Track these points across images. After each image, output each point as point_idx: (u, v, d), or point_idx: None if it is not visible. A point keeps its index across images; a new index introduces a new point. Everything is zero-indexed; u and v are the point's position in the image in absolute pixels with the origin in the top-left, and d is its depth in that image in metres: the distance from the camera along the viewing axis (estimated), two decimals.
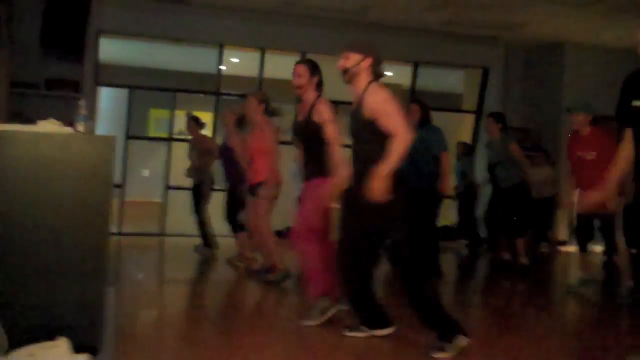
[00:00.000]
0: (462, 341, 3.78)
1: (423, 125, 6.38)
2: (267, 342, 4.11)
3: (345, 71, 3.86)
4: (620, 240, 5.42)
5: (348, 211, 4.03)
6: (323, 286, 4.49)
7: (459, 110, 11.73)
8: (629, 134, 3.63)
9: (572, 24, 9.70)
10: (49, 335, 3.22)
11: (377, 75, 3.88)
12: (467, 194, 9.80)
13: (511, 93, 11.14)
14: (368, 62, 3.83)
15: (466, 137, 11.12)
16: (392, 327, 4.16)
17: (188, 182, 8.22)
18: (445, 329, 3.81)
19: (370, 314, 4.14)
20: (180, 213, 8.19)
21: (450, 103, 11.94)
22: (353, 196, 3.91)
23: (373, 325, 4.14)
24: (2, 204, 3.25)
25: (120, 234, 9.56)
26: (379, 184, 3.66)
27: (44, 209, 3.30)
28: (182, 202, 8.33)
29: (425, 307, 3.86)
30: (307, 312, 4.50)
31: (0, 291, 3.25)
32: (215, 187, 8.04)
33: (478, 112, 11.14)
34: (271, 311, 5.03)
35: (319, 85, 4.63)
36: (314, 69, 4.63)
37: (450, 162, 6.32)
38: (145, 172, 12.26)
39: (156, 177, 10.62)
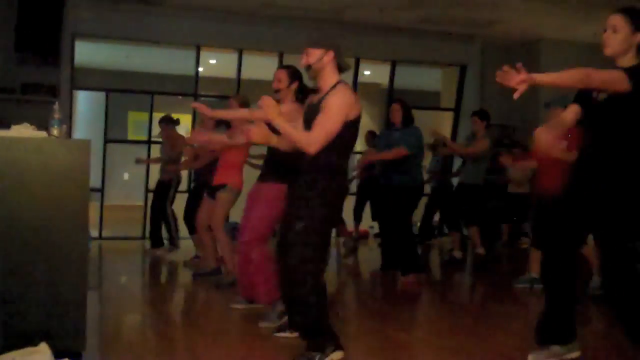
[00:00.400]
0: (336, 356, 3.59)
1: (406, 125, 6.41)
2: (253, 346, 4.10)
3: (308, 67, 3.71)
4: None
5: None
6: (275, 290, 4.49)
7: (437, 108, 11.79)
8: (572, 108, 3.63)
9: (548, 20, 9.79)
10: (30, 340, 3.20)
11: (341, 68, 3.73)
12: (440, 192, 9.62)
13: (489, 90, 11.19)
14: (330, 55, 3.66)
15: (445, 135, 11.16)
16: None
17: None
18: (321, 339, 3.60)
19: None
20: None
21: (428, 101, 11.99)
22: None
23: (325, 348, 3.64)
24: None
25: (101, 238, 9.50)
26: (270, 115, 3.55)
27: (20, 214, 3.28)
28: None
29: (309, 308, 3.57)
30: (263, 315, 4.53)
31: None
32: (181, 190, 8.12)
33: (456, 110, 11.20)
34: (252, 314, 4.97)
35: (300, 92, 4.61)
36: (294, 75, 4.63)
37: (395, 155, 6.28)
38: (125, 176, 12.20)
39: (136, 180, 10.57)
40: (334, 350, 3.59)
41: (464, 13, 9.49)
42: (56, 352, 3.16)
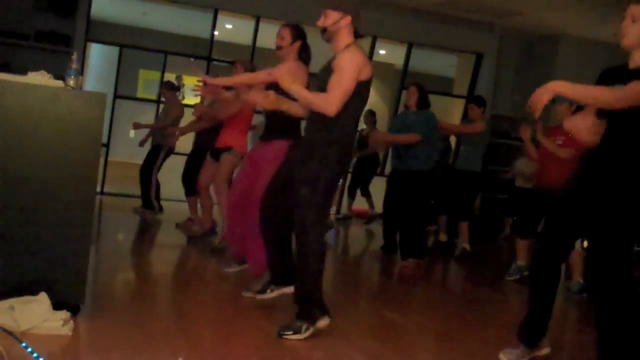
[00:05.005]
0: (323, 323, 3.61)
1: (421, 109, 6.38)
2: (244, 311, 4.10)
3: (324, 30, 3.67)
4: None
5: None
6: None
7: (449, 95, 11.73)
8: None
9: (569, 16, 9.69)
10: (30, 289, 3.20)
11: (357, 34, 3.70)
12: (439, 180, 9.48)
13: (502, 81, 11.14)
14: (347, 20, 3.63)
15: (455, 122, 11.12)
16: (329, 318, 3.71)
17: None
18: (312, 307, 3.60)
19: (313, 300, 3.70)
20: (164, 176, 8.15)
21: (441, 87, 11.93)
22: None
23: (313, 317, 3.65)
24: None
25: (102, 193, 9.50)
26: (284, 80, 3.56)
27: (30, 161, 3.26)
28: (166, 165, 8.30)
29: (309, 275, 3.56)
30: (252, 284, 4.41)
31: None
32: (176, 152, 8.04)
33: (468, 98, 11.13)
34: (243, 279, 4.96)
35: (303, 52, 4.54)
36: (298, 33, 4.54)
37: (407, 140, 6.26)
38: (131, 133, 12.16)
39: (142, 139, 10.55)
40: (320, 318, 3.60)
41: (485, 1, 9.40)
42: (55, 303, 3.16)
